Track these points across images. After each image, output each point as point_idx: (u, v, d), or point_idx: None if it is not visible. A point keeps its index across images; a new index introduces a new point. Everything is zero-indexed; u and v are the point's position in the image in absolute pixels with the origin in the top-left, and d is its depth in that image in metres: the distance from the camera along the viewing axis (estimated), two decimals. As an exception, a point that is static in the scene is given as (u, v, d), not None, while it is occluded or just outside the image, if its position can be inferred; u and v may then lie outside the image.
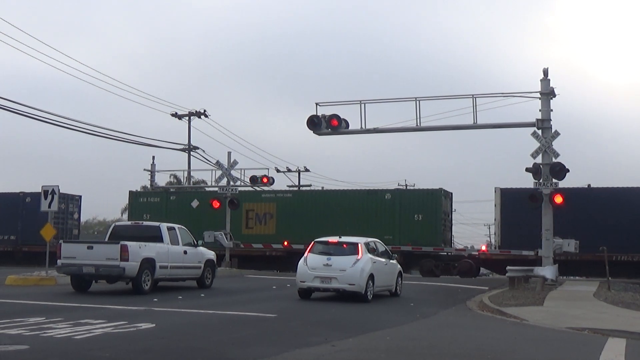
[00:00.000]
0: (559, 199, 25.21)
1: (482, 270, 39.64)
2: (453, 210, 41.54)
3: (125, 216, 53.98)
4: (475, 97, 26.00)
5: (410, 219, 37.31)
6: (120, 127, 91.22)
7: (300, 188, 38.93)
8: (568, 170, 25.52)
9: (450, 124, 27.24)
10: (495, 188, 37.37)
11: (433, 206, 37.49)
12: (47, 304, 16.95)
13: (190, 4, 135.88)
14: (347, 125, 27.98)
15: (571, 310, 17.57)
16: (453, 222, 41.55)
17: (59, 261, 21.01)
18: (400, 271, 22.91)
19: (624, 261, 33.61)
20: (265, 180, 38.59)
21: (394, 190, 41.83)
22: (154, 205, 42.51)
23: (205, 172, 47.25)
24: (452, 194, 40.09)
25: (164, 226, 22.81)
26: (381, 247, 22.29)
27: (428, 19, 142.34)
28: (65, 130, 38.57)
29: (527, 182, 26.86)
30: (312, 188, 43.31)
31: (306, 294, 20.32)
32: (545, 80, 25.76)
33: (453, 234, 41.92)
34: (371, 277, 19.85)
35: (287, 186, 60.04)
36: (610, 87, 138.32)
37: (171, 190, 47.66)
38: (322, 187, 56.77)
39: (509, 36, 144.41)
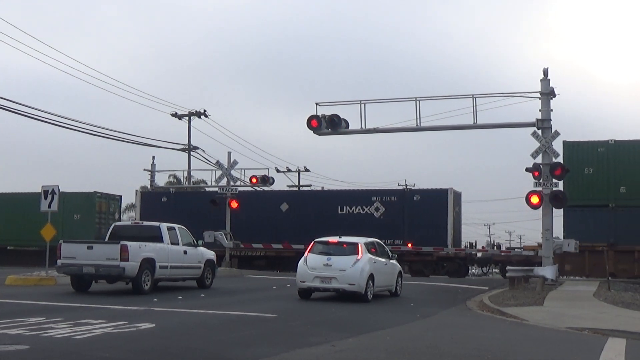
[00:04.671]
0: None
1: None
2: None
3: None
4: (475, 97, 25.99)
5: (71, 218, 41.86)
6: (120, 127, 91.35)
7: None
8: (568, 170, 25.52)
9: (450, 124, 27.23)
10: (135, 190, 42.76)
11: (88, 207, 42.62)
12: (47, 304, 16.94)
13: (190, 5, 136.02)
14: (347, 125, 27.97)
15: (571, 310, 17.56)
16: None
17: (59, 261, 20.98)
18: (400, 271, 22.91)
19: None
20: (265, 180, 38.76)
21: (60, 193, 44.01)
22: None
23: (205, 172, 47.33)
24: (121, 197, 44.30)
25: (164, 226, 22.80)
26: (381, 247, 22.28)
27: (428, 19, 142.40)
28: (65, 130, 38.66)
29: (528, 181, 26.85)
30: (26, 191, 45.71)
31: (306, 294, 20.32)
32: (545, 80, 25.74)
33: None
34: (371, 277, 19.84)
35: (287, 186, 60.16)
36: (611, 87, 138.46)
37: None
38: (320, 187, 56.85)
39: (510, 36, 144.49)
